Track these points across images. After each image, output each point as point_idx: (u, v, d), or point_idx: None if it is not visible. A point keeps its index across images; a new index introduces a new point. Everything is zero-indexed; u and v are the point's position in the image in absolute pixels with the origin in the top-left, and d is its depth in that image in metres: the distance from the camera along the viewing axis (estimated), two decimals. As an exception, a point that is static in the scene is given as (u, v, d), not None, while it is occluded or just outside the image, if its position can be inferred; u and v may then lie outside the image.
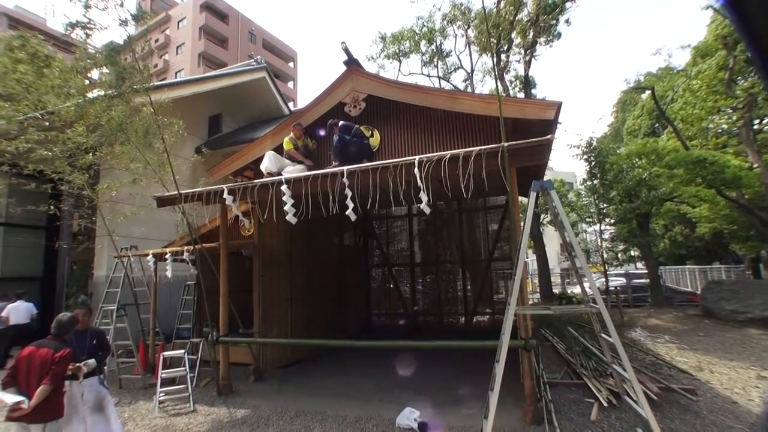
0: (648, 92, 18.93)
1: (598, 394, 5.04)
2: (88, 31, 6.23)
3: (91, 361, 3.89)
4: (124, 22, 6.19)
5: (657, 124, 21.24)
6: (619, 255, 14.06)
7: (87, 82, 8.15)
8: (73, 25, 6.12)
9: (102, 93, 7.08)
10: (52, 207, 7.64)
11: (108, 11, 6.07)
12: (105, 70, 7.48)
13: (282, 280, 8.07)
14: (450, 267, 12.62)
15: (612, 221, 14.39)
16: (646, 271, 15.67)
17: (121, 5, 6.04)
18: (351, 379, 6.80)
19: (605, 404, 4.81)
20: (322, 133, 7.28)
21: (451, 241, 12.61)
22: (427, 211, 4.87)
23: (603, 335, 3.89)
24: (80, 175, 7.08)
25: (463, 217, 12.37)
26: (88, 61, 7.32)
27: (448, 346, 6.67)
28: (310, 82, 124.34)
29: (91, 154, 7.11)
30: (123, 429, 4.28)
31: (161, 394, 5.71)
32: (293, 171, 6.72)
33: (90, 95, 7.49)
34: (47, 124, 7.40)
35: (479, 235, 12.43)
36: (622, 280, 16.42)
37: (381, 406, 5.32)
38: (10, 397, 3.18)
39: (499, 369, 3.92)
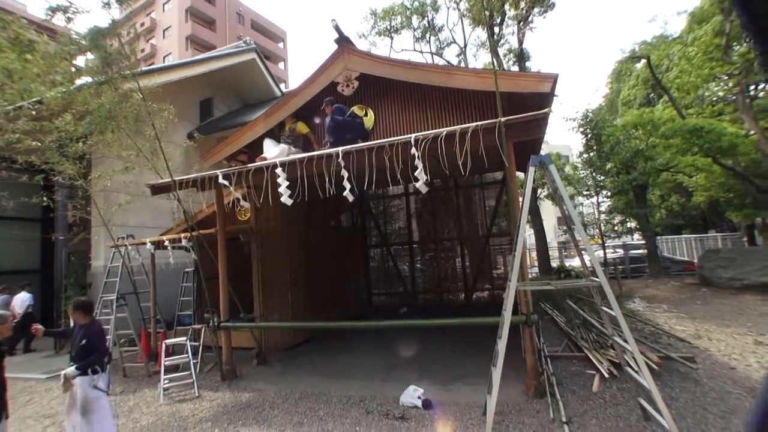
0: (643, 61, 18.62)
1: (599, 365, 5.11)
2: (69, 15, 6.03)
3: (69, 371, 3.70)
4: (106, 5, 6.01)
5: (652, 94, 20.99)
6: (616, 227, 14.11)
7: (73, 69, 7.94)
8: (54, 9, 5.93)
9: (89, 80, 6.90)
10: (45, 198, 7.55)
11: None
12: (91, 56, 7.28)
13: (281, 264, 8.05)
14: (448, 244, 12.65)
15: (609, 193, 14.40)
16: (643, 242, 15.77)
17: None
18: (354, 359, 6.87)
19: (606, 375, 4.88)
20: (316, 115, 7.18)
21: (449, 219, 12.60)
22: (424, 190, 4.79)
23: (604, 308, 3.90)
24: (72, 165, 6.96)
25: (459, 194, 12.33)
26: (72, 47, 7.10)
27: (449, 323, 6.71)
28: (301, 62, 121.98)
29: (81, 143, 6.97)
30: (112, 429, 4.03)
31: (165, 382, 5.73)
32: (276, 153, 6.61)
33: (77, 82, 7.31)
34: (34, 113, 7.22)
35: (476, 211, 12.43)
36: (620, 252, 16.55)
37: (385, 385, 5.38)
38: None
39: (502, 345, 3.94)
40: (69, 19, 6.09)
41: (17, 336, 8.98)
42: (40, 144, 6.84)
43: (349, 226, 12.38)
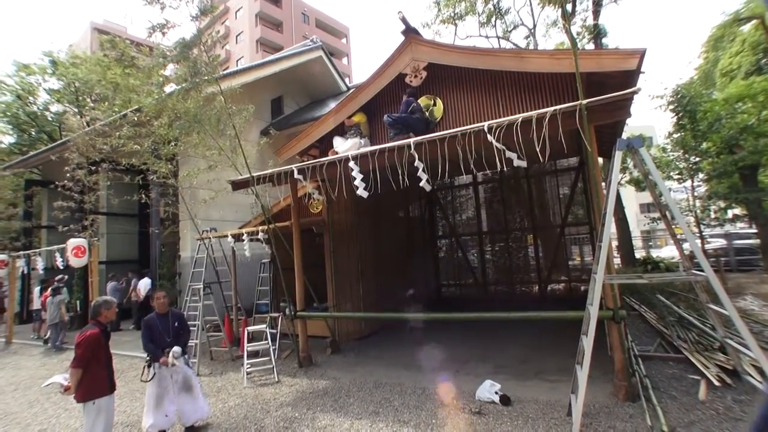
0: (753, 22, 16.10)
1: (705, 370, 4.54)
2: (165, 30, 6.68)
3: (177, 349, 4.16)
4: (195, 18, 6.54)
5: (765, 60, 18.05)
6: (716, 214, 12.35)
7: (161, 79, 8.74)
8: (154, 28, 6.61)
9: (177, 87, 7.54)
10: (143, 196, 8.39)
11: (179, 9, 6.50)
12: (178, 65, 7.95)
13: (352, 255, 8.22)
14: (520, 234, 12.13)
15: (706, 177, 12.76)
16: (754, 231, 13.75)
17: (192, 1, 6.41)
18: (425, 350, 6.81)
19: (716, 383, 4.28)
20: (385, 108, 7.20)
21: (520, 208, 12.07)
22: (524, 164, 4.58)
23: (712, 306, 3.44)
24: (164, 165, 7.66)
25: (531, 182, 11.73)
26: (161, 60, 7.82)
27: (526, 317, 6.33)
28: (363, 56, 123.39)
29: (172, 145, 7.66)
30: (208, 405, 4.58)
31: (248, 366, 6.12)
32: (348, 147, 6.77)
33: (167, 89, 8.05)
34: (135, 118, 8.09)
35: (549, 199, 11.76)
36: (722, 242, 14.61)
37: (458, 378, 5.28)
38: (53, 378, 3.49)
39: (588, 342, 3.67)
40: (163, 34, 6.68)
41: (142, 313, 10.92)
42: (139, 147, 7.61)
43: (417, 216, 12.33)
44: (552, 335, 6.74)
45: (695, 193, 12.42)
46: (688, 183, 12.39)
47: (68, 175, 9.63)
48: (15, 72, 18.64)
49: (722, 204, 12.39)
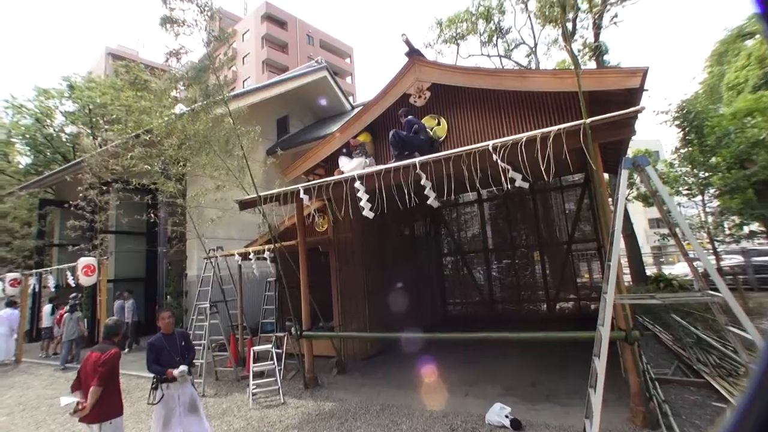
0: (758, 37, 16.13)
1: (731, 397, 4.31)
2: (179, 56, 6.93)
3: (184, 368, 4.07)
4: (207, 44, 6.76)
5: None
6: (730, 230, 12.03)
7: (171, 101, 8.97)
8: (170, 53, 6.88)
9: (187, 108, 7.73)
10: (152, 215, 8.48)
11: (192, 35, 6.75)
12: (188, 88, 8.18)
13: (358, 274, 8.17)
14: (526, 251, 12.01)
15: (716, 192, 12.56)
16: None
17: (205, 29, 6.64)
18: (432, 371, 6.67)
19: (745, 412, 4.09)
20: (390, 128, 7.27)
21: (526, 224, 11.99)
22: (526, 185, 4.56)
23: (732, 328, 3.33)
24: (173, 185, 7.77)
25: (536, 198, 11.67)
26: (172, 84, 8.04)
27: (535, 338, 6.16)
28: (367, 75, 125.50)
29: (181, 166, 7.77)
30: (211, 427, 4.50)
31: (253, 387, 6.03)
32: (354, 166, 6.80)
33: (176, 110, 8.25)
34: (146, 139, 8.28)
35: (555, 216, 11.67)
36: (739, 258, 14.20)
37: (467, 401, 5.16)
38: (65, 400, 3.48)
39: (600, 365, 3.55)
40: (178, 59, 6.89)
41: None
42: (150, 168, 7.74)
43: (423, 234, 12.27)
44: (562, 356, 6.58)
45: (707, 209, 12.22)
46: (699, 198, 12.21)
47: (81, 194, 9.80)
48: (35, 97, 19.52)
49: (737, 220, 12.12)
